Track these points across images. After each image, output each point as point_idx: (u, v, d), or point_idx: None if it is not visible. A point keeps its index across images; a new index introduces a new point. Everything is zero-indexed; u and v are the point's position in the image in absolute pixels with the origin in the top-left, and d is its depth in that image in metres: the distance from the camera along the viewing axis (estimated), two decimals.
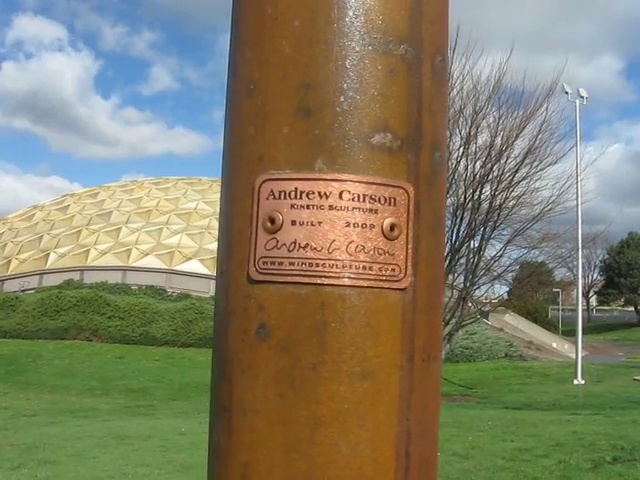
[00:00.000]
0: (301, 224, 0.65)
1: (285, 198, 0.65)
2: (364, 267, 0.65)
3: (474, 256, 21.31)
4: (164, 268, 40.51)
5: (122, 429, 12.74)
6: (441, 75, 0.70)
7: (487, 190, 21.33)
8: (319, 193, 0.65)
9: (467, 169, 21.36)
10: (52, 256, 42.04)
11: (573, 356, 27.80)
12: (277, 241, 0.65)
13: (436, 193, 0.69)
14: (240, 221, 0.68)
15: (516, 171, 20.96)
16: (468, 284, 21.32)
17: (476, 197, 21.06)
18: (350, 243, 0.65)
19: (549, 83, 21.09)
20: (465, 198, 21.19)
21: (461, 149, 21.23)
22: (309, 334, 0.63)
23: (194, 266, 40.28)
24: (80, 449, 10.15)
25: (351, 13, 0.65)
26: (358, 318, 0.64)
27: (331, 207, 0.65)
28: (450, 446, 9.94)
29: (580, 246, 26.04)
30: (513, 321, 40.40)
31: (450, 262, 21.16)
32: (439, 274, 0.70)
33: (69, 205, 48.63)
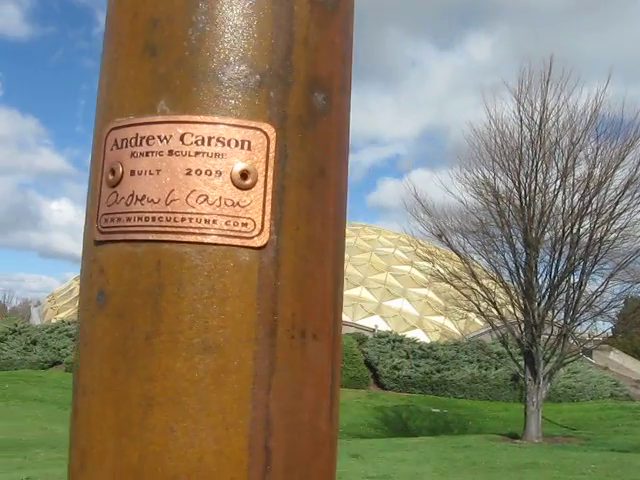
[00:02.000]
0: (139, 174, 0.56)
1: (126, 147, 0.56)
2: (207, 220, 0.54)
3: (574, 292, 20.43)
4: None
5: None
6: (326, 6, 0.60)
7: (586, 223, 20.51)
8: (159, 137, 0.55)
9: (565, 202, 20.65)
10: None
11: None
12: (117, 195, 0.56)
13: (316, 140, 0.58)
14: (93, 177, 0.59)
15: (616, 203, 20.04)
16: (569, 320, 20.42)
17: (575, 231, 20.29)
18: (191, 193, 0.54)
19: None
20: (563, 232, 20.47)
21: (558, 182, 20.57)
22: (144, 299, 0.53)
23: None
24: None
25: None
26: (200, 280, 0.53)
27: (171, 152, 0.55)
28: None
29: None
30: (618, 359, 38.27)
31: (549, 298, 20.41)
32: (321, 234, 0.58)
33: None
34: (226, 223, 0.54)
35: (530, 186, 20.27)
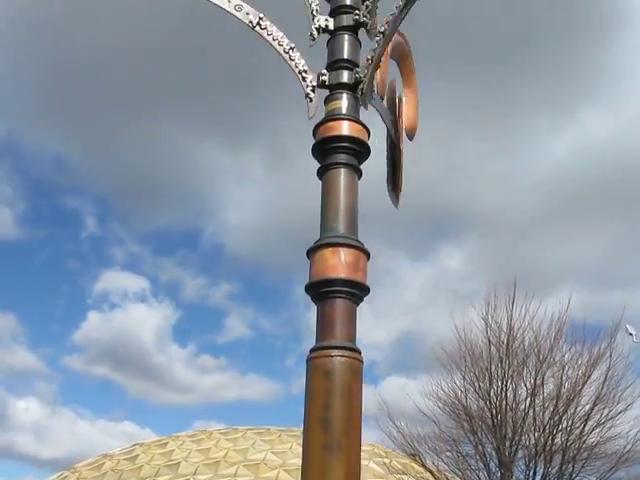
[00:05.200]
0: None
1: None
2: None
3: None
4: None
5: None
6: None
7: (558, 440, 20.49)
8: None
9: (535, 420, 20.75)
10: None
11: None
12: None
13: None
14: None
15: (586, 420, 20.25)
16: None
17: (548, 448, 20.30)
18: None
19: (611, 327, 20.49)
20: (536, 450, 20.40)
21: (528, 400, 20.80)
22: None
23: None
24: None
25: None
26: None
27: None
28: None
29: None
30: None
31: None
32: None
33: (138, 455, 49.35)
34: None
35: (501, 404, 20.54)
